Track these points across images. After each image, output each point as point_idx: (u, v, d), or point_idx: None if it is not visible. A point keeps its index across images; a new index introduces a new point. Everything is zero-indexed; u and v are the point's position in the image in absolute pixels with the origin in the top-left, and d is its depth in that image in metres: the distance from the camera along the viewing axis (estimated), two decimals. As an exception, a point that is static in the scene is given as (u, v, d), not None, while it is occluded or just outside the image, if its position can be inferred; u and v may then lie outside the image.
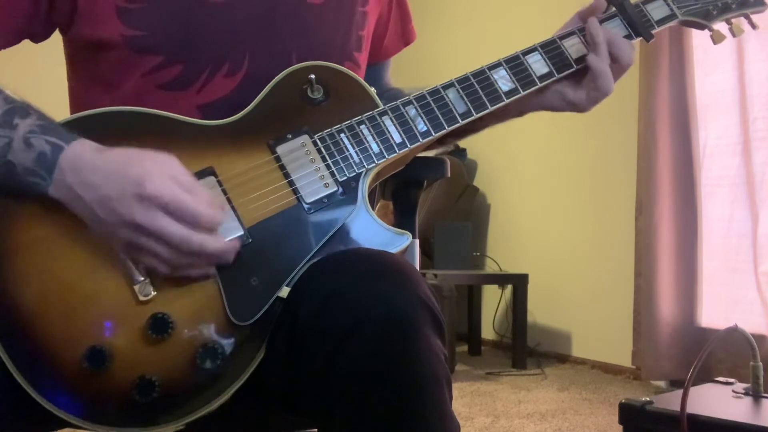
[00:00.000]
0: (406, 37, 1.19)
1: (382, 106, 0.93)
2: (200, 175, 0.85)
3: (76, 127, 0.83)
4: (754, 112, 2.91)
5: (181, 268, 0.80)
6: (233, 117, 0.91)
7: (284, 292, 0.82)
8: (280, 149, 0.89)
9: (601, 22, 1.02)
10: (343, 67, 0.96)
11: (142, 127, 0.87)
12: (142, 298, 0.80)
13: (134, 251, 0.80)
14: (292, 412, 0.86)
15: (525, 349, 3.60)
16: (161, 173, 0.79)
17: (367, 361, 0.73)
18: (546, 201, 3.91)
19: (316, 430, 0.82)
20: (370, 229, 0.88)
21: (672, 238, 3.06)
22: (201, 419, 0.81)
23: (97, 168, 0.79)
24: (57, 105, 0.89)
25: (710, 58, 3.03)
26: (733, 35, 1.10)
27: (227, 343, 0.81)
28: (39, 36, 0.96)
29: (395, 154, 0.91)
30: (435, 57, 4.14)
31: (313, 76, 0.92)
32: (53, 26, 0.96)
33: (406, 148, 0.92)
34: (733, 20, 1.09)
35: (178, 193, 0.78)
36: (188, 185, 0.80)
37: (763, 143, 2.88)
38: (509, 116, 1.08)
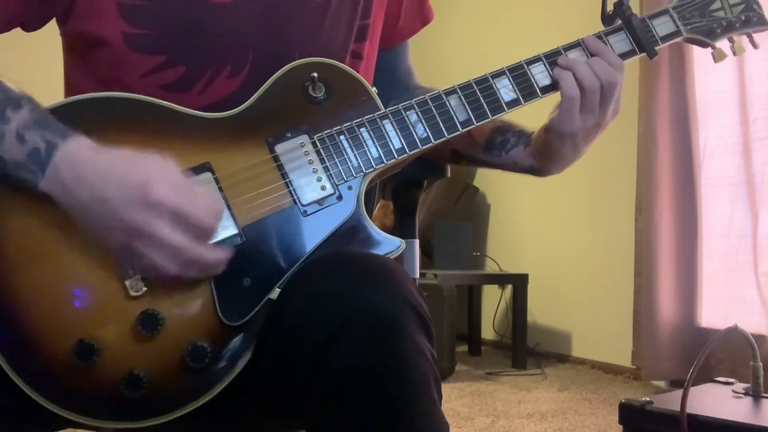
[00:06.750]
0: (423, 16, 1.14)
1: (382, 109, 0.92)
2: (197, 170, 0.84)
3: (71, 112, 0.82)
4: (754, 112, 2.90)
5: (173, 275, 0.79)
6: (233, 111, 0.89)
7: (275, 293, 0.82)
8: (279, 148, 0.88)
9: (607, 34, 1.02)
10: (346, 66, 0.95)
11: (139, 116, 0.86)
12: (133, 293, 0.80)
13: (128, 254, 0.78)
14: (282, 413, 0.86)
15: (525, 349, 3.59)
16: (164, 178, 0.77)
17: (353, 362, 0.73)
18: (546, 201, 3.91)
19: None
20: (364, 234, 0.88)
21: (672, 238, 3.05)
22: (193, 421, 0.81)
23: (94, 167, 0.77)
24: (54, 96, 0.87)
25: (710, 58, 3.02)
26: (734, 54, 1.10)
27: (216, 343, 0.80)
28: (31, 25, 0.94)
29: (393, 160, 0.91)
30: (440, 54, 4.14)
31: (315, 74, 0.90)
32: (47, 16, 0.94)
33: (405, 154, 0.92)
34: (735, 38, 1.10)
35: (182, 201, 0.77)
36: (188, 190, 0.79)
37: (763, 143, 2.88)
38: (522, 168, 1.13)
